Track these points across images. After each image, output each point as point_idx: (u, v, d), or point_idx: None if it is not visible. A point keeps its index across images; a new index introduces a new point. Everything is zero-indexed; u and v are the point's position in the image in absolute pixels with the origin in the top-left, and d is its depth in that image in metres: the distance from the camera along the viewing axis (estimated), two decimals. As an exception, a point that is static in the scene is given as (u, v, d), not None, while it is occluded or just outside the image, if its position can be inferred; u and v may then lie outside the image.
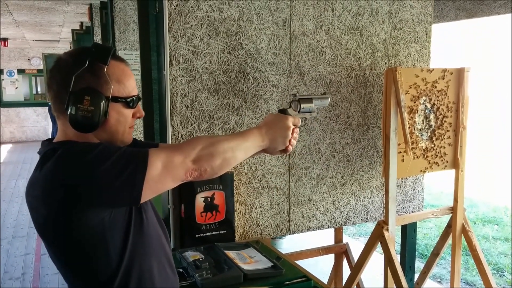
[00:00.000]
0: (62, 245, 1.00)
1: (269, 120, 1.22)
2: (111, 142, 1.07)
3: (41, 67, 11.40)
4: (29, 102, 11.62)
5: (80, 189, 0.92)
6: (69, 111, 0.98)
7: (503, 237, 4.93)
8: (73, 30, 6.49)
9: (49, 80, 1.03)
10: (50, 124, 10.65)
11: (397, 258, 2.13)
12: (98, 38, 4.68)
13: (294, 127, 1.24)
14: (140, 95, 1.11)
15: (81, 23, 6.63)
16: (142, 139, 2.30)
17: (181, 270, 1.58)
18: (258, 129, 1.19)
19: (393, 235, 2.14)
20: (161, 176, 0.99)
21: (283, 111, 1.25)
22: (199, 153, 1.03)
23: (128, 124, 1.08)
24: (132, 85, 1.07)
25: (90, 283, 1.01)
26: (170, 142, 1.85)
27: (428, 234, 4.98)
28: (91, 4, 5.15)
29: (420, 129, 2.21)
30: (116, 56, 1.05)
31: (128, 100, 1.05)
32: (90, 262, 0.99)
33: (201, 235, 1.85)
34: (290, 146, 1.24)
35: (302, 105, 1.27)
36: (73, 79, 0.98)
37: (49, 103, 1.14)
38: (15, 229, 4.96)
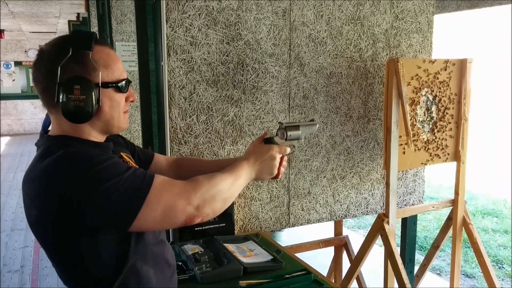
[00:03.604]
0: (53, 248, 0.97)
1: (255, 150, 1.18)
2: (107, 131, 1.05)
3: (38, 59, 11.31)
4: (26, 95, 11.54)
5: (75, 203, 0.88)
6: (60, 103, 0.95)
7: (502, 229, 4.93)
8: (69, 21, 6.42)
9: (34, 74, 1.00)
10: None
11: (397, 251, 2.11)
12: (95, 29, 4.62)
13: (282, 155, 1.20)
14: (130, 79, 1.07)
15: (78, 14, 6.56)
16: (140, 132, 2.27)
17: (180, 263, 1.56)
18: (247, 162, 1.15)
19: (394, 228, 2.13)
20: (157, 220, 0.94)
21: (269, 140, 1.21)
22: (202, 197, 0.98)
23: (122, 109, 1.05)
24: (120, 69, 1.03)
25: (85, 284, 0.98)
26: (168, 135, 1.82)
27: (427, 227, 4.99)
28: (88, -5, 5.08)
29: (421, 121, 2.18)
30: (98, 40, 1.00)
31: (119, 84, 1.02)
32: (83, 265, 0.96)
33: (200, 228, 1.84)
34: (279, 174, 1.21)
35: (289, 133, 1.23)
36: (59, 69, 0.94)
37: None
38: (14, 222, 4.94)
